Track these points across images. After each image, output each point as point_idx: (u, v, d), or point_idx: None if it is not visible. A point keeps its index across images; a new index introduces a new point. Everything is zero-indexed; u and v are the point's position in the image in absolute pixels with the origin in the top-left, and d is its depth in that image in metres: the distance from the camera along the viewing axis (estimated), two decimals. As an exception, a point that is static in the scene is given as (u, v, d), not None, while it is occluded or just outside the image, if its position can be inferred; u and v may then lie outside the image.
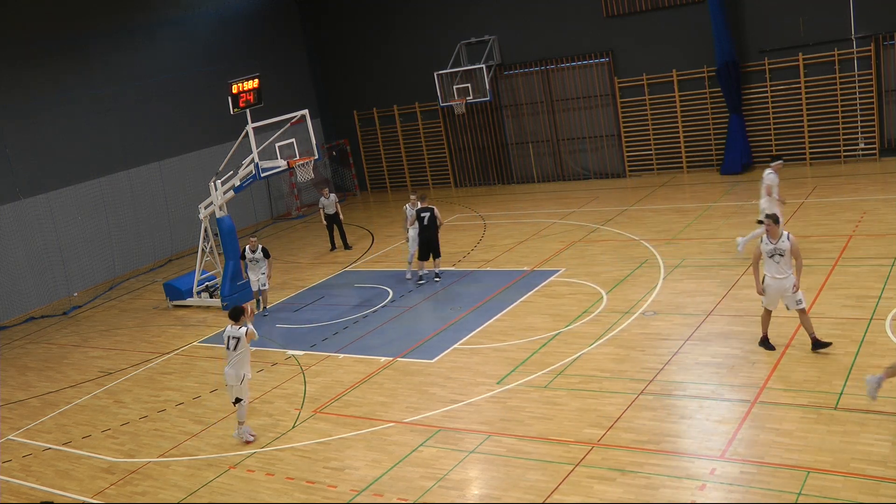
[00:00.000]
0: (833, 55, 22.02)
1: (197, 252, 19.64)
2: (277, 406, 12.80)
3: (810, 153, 23.06)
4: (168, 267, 24.13)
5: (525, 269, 17.68)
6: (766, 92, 23.17)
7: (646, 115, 25.01)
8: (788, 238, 11.31)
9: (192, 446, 11.97)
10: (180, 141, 25.67)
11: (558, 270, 17.14)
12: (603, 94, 25.57)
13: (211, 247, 19.44)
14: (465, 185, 28.73)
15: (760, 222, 14.97)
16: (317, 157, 19.17)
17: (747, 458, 9.16)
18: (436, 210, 17.68)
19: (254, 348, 11.65)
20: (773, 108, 23.27)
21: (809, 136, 23.00)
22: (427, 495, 9.56)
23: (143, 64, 24.76)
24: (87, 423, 13.54)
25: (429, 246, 17.70)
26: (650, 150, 25.24)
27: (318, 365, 14.27)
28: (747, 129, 23.59)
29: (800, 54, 22.43)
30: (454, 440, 10.76)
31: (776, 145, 23.36)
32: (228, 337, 11.49)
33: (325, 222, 22.00)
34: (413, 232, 18.05)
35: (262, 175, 17.93)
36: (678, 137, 24.76)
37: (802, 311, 11.37)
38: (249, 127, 17.67)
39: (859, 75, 21.94)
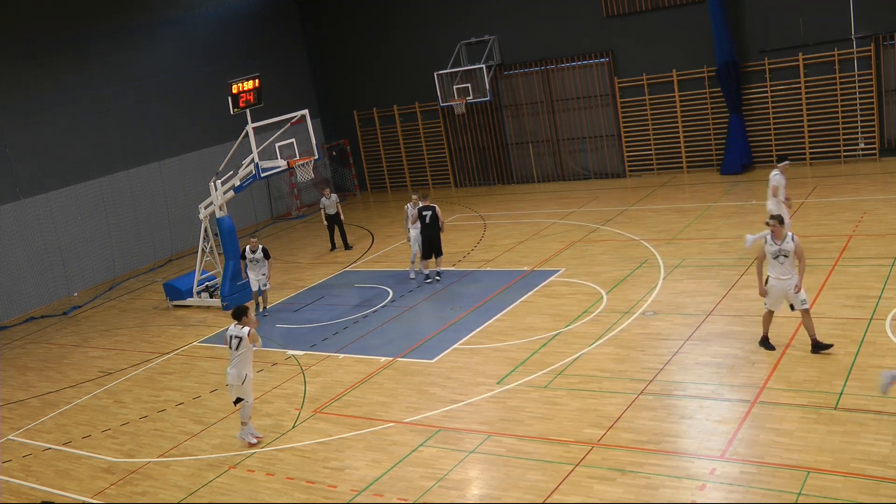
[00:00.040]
0: (833, 55, 22.03)
1: (197, 252, 19.65)
2: (277, 406, 12.80)
3: (810, 153, 23.06)
4: (168, 267, 24.13)
5: (525, 269, 17.68)
6: (766, 92, 23.17)
7: (646, 115, 25.01)
8: (793, 239, 11.31)
9: (192, 446, 11.97)
10: (180, 141, 25.67)
11: (558, 270, 17.14)
12: (603, 94, 25.57)
13: (211, 247, 19.44)
14: (465, 185, 28.73)
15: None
16: (317, 157, 19.18)
17: (747, 458, 9.16)
18: (437, 209, 17.68)
19: (255, 349, 11.59)
20: (773, 108, 23.27)
21: (809, 136, 23.00)
22: (427, 495, 9.56)
23: (143, 64, 24.76)
24: (87, 423, 13.54)
25: (431, 245, 17.70)
26: (650, 150, 25.25)
27: (318, 365, 14.27)
28: (747, 129, 23.60)
29: (800, 54, 22.44)
30: (454, 440, 10.76)
31: (776, 145, 23.37)
32: (231, 336, 11.43)
33: (325, 222, 22.01)
34: (415, 232, 18.06)
35: (262, 175, 17.94)
36: (678, 137, 24.77)
37: (806, 312, 11.37)
38: (249, 127, 17.68)
39: (859, 75, 21.94)
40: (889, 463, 8.62)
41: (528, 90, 26.64)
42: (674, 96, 24.40)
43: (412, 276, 18.28)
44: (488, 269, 18.26)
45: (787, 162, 15.91)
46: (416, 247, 18.14)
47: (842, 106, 22.35)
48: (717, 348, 12.16)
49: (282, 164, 18.01)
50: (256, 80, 17.92)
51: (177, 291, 19.48)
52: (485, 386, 12.23)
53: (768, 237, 11.45)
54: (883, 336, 11.64)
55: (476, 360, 13.27)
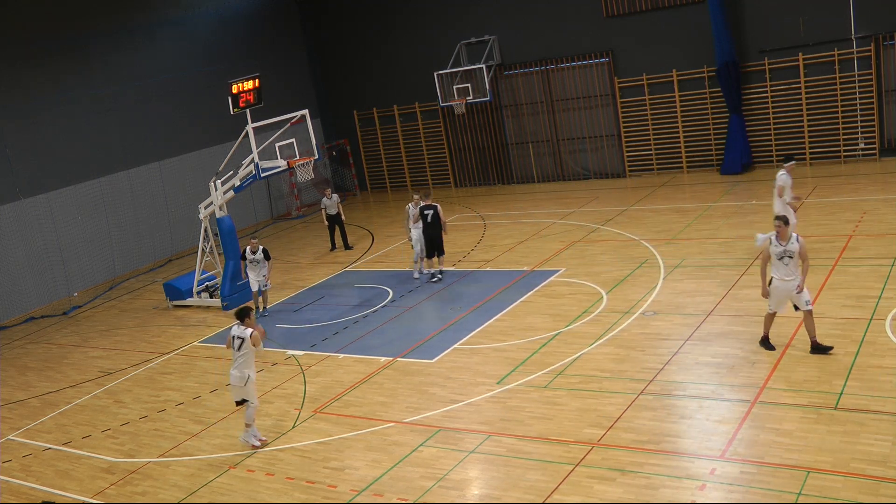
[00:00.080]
0: (833, 55, 22.02)
1: (197, 252, 19.65)
2: (277, 406, 12.79)
3: (810, 153, 23.06)
4: (168, 267, 24.13)
5: (525, 269, 17.68)
6: (766, 92, 23.17)
7: (646, 115, 25.01)
8: (798, 240, 11.31)
9: (192, 446, 11.97)
10: (180, 141, 25.67)
11: (558, 270, 17.14)
12: (603, 94, 25.57)
13: (211, 247, 19.44)
14: (465, 185, 28.73)
15: None
16: (317, 157, 19.19)
17: (747, 458, 9.16)
18: (439, 208, 17.68)
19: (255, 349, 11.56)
20: (773, 108, 23.27)
21: (809, 136, 23.00)
22: (427, 495, 9.56)
23: (143, 64, 24.76)
24: (87, 423, 13.54)
25: (433, 243, 17.71)
26: (650, 150, 25.24)
27: (318, 365, 14.27)
28: (747, 129, 23.59)
29: (800, 54, 22.43)
30: (454, 440, 10.76)
31: (776, 145, 23.38)
32: (234, 337, 11.39)
33: (326, 223, 22.01)
34: (416, 232, 18.05)
35: (262, 175, 17.94)
36: (678, 137, 24.77)
37: (809, 313, 11.36)
38: (249, 127, 17.68)
39: (859, 75, 21.94)
40: (889, 463, 8.62)
41: (528, 90, 26.64)
42: (674, 96, 24.40)
43: (416, 275, 18.27)
44: (488, 269, 18.26)
45: (793, 162, 15.78)
46: (418, 247, 18.14)
47: (842, 106, 22.35)
48: (717, 348, 12.16)
49: (282, 164, 18.01)
50: (256, 80, 17.92)
51: (177, 291, 19.48)
52: (485, 386, 12.23)
53: (773, 238, 11.43)
54: (883, 336, 11.64)
55: (476, 360, 13.27)
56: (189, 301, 19.31)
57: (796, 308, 11.47)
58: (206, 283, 19.50)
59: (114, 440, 12.67)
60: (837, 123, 22.53)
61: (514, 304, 15.58)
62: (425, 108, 28.49)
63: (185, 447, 11.97)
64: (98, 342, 18.00)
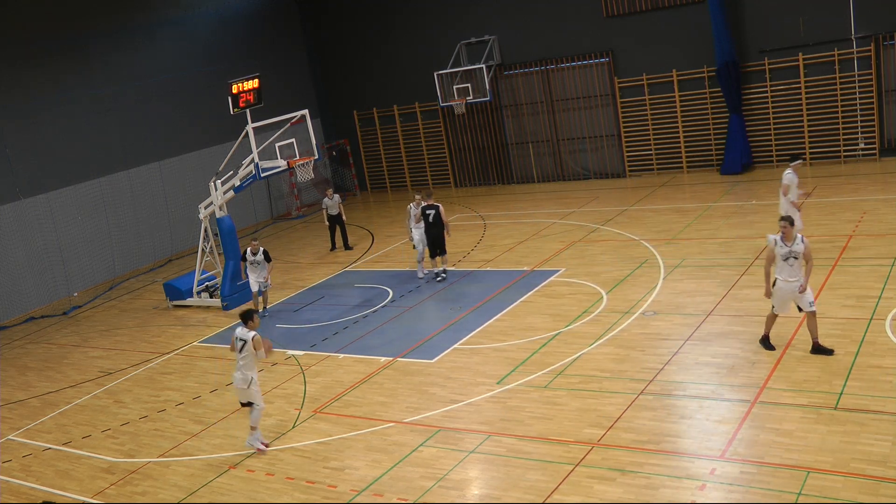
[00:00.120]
0: (833, 55, 22.03)
1: (197, 252, 19.65)
2: (277, 406, 12.79)
3: (810, 153, 23.05)
4: (168, 267, 24.13)
5: (525, 269, 17.68)
6: (766, 92, 23.17)
7: (646, 115, 25.01)
8: (802, 241, 11.30)
9: (192, 446, 11.97)
10: (180, 141, 25.67)
11: (558, 270, 17.14)
12: (603, 94, 25.57)
13: (211, 247, 19.44)
14: (465, 185, 28.73)
15: None
16: (317, 157, 19.18)
17: (747, 458, 9.16)
18: (441, 208, 17.68)
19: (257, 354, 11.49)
20: (773, 108, 23.27)
21: (809, 136, 23.00)
22: (427, 495, 9.56)
23: (143, 64, 24.76)
24: (87, 423, 13.54)
25: (435, 243, 17.71)
26: (650, 150, 25.25)
27: (318, 365, 14.27)
28: (747, 129, 23.60)
29: (800, 54, 22.43)
30: (454, 440, 10.76)
31: (776, 145, 23.38)
32: (236, 338, 11.34)
33: (327, 223, 22.02)
34: (418, 232, 18.05)
35: (262, 175, 17.94)
36: (678, 137, 24.77)
37: (812, 314, 11.35)
38: (249, 127, 17.68)
39: (859, 75, 21.94)
40: (889, 463, 8.62)
41: (528, 90, 26.64)
42: (674, 96, 24.40)
43: (421, 275, 18.26)
44: (488, 269, 18.26)
45: (800, 161, 15.72)
46: (420, 247, 18.13)
47: (842, 106, 22.35)
48: (717, 348, 12.16)
49: (282, 164, 18.01)
50: (256, 80, 17.92)
51: (177, 291, 19.48)
52: (485, 386, 12.23)
53: (778, 239, 11.41)
54: (883, 336, 11.64)
55: (476, 360, 13.27)
56: (189, 301, 19.31)
57: (800, 309, 11.46)
58: (206, 283, 19.50)
59: (114, 440, 12.67)
60: (837, 123, 22.53)
61: (514, 304, 15.58)
62: (425, 108, 28.49)
63: (185, 447, 11.97)
64: (98, 342, 18.00)
